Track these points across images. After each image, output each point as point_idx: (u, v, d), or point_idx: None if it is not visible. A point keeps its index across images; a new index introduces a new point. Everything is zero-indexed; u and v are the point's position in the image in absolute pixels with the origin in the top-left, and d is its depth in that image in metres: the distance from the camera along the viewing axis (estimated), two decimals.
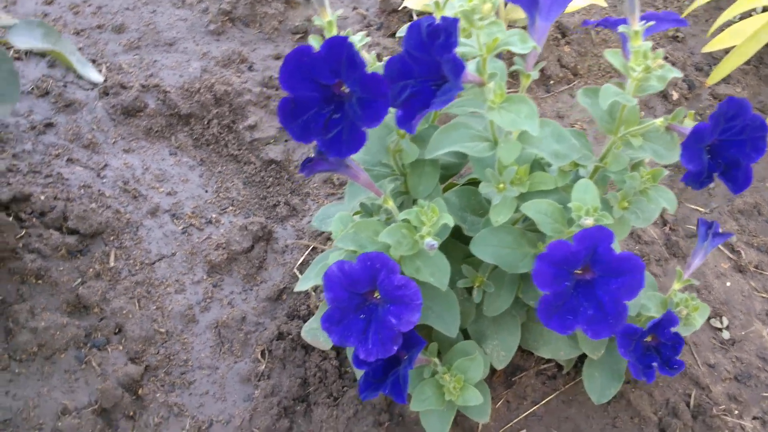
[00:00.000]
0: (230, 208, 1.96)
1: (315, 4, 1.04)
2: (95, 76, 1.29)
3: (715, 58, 2.57)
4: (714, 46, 2.36)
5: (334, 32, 1.04)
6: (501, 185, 1.12)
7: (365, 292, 1.00)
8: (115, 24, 2.39)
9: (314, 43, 1.03)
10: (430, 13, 2.43)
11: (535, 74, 1.09)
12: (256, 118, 2.11)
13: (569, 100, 2.33)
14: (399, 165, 1.27)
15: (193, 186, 2.00)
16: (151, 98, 2.16)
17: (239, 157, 2.08)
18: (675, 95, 2.46)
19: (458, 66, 0.86)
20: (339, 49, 0.89)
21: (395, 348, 0.96)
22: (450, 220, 1.09)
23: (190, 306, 1.72)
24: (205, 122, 2.13)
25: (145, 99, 2.14)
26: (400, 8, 2.43)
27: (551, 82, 2.39)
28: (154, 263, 1.80)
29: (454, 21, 0.86)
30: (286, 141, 2.12)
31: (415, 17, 2.44)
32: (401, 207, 1.29)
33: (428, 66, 0.93)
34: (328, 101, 0.97)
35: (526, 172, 1.13)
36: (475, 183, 1.44)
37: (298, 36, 2.42)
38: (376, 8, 2.53)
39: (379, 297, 1.00)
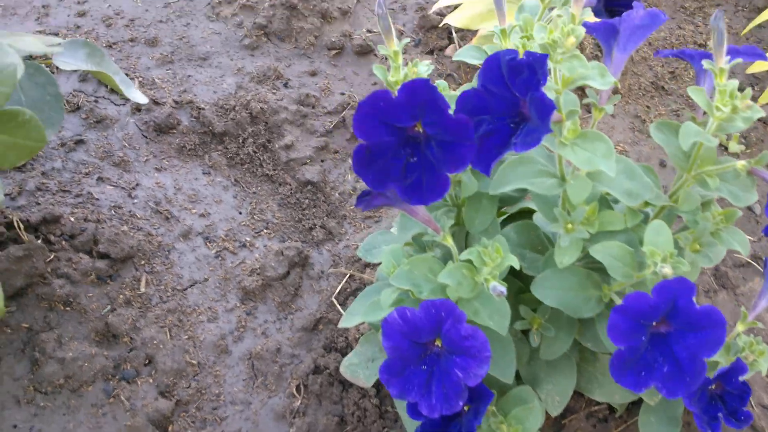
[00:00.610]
0: (265, 231, 1.94)
1: (381, 31, 1.02)
2: (140, 97, 1.27)
3: (757, 78, 2.54)
4: (759, 66, 2.33)
5: (400, 62, 1.02)
6: (569, 225, 1.08)
7: (427, 342, 0.96)
8: (148, 37, 2.38)
9: (379, 73, 1.00)
10: (470, 30, 2.41)
11: (609, 108, 1.06)
12: (292, 138, 2.09)
13: (608, 119, 2.29)
14: (454, 197, 1.24)
15: (226, 207, 1.98)
16: (184, 115, 2.14)
17: (274, 178, 2.06)
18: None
19: (547, 106, 0.83)
20: (420, 93, 0.86)
21: (461, 403, 0.93)
22: (515, 262, 1.06)
23: (222, 335, 1.69)
24: (240, 141, 2.11)
25: (178, 116, 2.13)
26: (439, 25, 2.41)
27: None
28: (186, 289, 1.77)
29: (542, 57, 0.83)
30: (322, 161, 2.09)
31: (454, 35, 2.42)
32: (454, 239, 1.25)
33: (507, 102, 0.90)
34: (404, 145, 0.94)
35: (595, 212, 1.09)
36: (527, 212, 1.40)
37: (335, 52, 2.40)
38: (414, 24, 2.51)
39: (442, 347, 0.96)
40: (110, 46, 2.33)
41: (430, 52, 2.40)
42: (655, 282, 1.04)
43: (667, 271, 1.00)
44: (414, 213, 1.08)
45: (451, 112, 0.91)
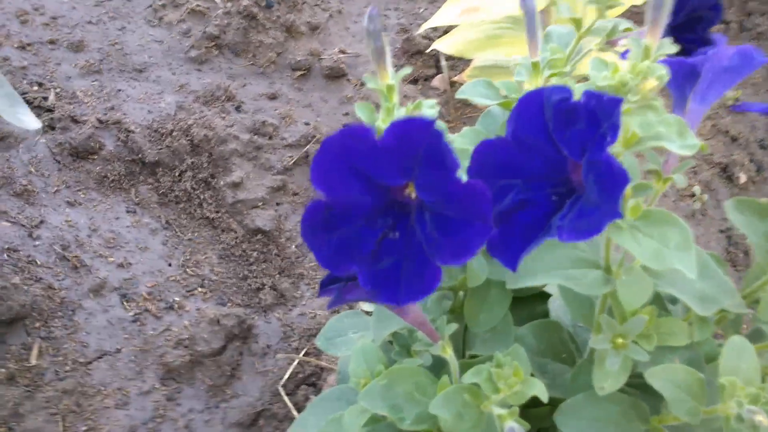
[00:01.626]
0: (199, 289, 1.64)
1: (371, 55, 0.74)
2: (31, 121, 0.96)
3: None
4: None
5: (395, 101, 0.74)
6: (620, 341, 0.81)
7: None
8: (72, 40, 2.09)
9: (363, 114, 0.73)
10: (462, 59, 2.17)
11: (680, 180, 0.80)
12: (241, 174, 1.80)
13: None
14: (452, 278, 0.98)
15: (153, 257, 1.68)
16: (109, 138, 1.85)
17: (216, 222, 1.77)
18: (742, 178, 2.25)
19: (618, 177, 0.56)
20: (418, 139, 0.59)
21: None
22: (542, 392, 0.79)
23: (133, 428, 1.39)
24: (176, 174, 1.82)
25: (101, 138, 1.84)
26: (426, 50, 2.16)
27: None
28: (91, 362, 1.47)
29: (615, 102, 0.57)
30: (277, 205, 1.81)
31: (443, 63, 2.17)
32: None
33: (549, 163, 0.64)
34: (384, 211, 0.67)
35: (653, 321, 0.83)
36: (538, 296, 1.14)
37: (300, 73, 2.13)
38: (396, 47, 2.27)
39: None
40: (23, 48, 2.03)
41: (414, 82, 2.15)
42: (734, 430, 0.79)
43: (761, 418, 0.74)
44: (403, 312, 0.81)
45: (460, 172, 0.64)
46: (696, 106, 0.80)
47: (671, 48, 0.68)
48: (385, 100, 0.74)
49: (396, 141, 0.60)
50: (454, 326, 0.84)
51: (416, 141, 0.59)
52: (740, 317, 1.00)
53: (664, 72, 0.65)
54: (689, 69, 0.77)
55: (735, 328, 1.01)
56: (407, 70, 0.74)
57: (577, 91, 0.64)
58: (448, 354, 0.83)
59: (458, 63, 2.16)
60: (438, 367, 0.96)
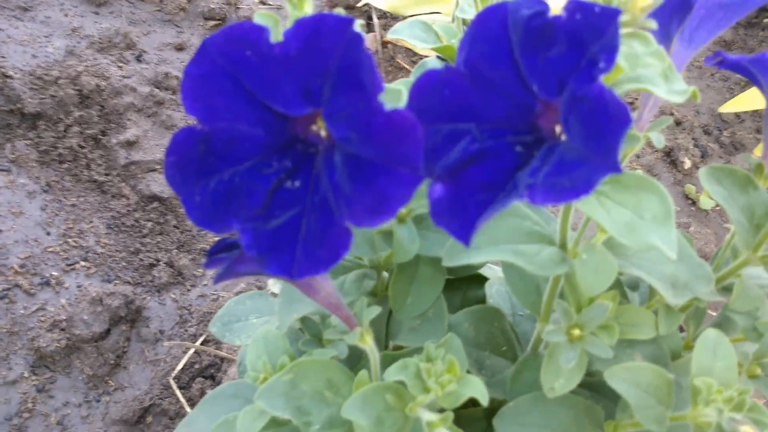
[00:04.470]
0: (82, 263, 1.45)
1: None
2: None
3: (725, 121, 2.35)
4: (733, 106, 2.13)
5: (307, 9, 0.59)
6: (577, 332, 0.69)
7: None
8: None
9: (262, 20, 0.57)
10: (397, 17, 2.03)
11: (657, 139, 0.68)
12: (137, 131, 1.62)
13: None
14: (378, 258, 0.85)
15: (28, 223, 1.48)
16: None
17: (106, 186, 1.58)
18: (687, 163, 2.21)
19: (617, 115, 0.43)
20: (330, 43, 0.45)
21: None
22: (482, 393, 0.67)
23: None
24: (61, 128, 1.62)
25: None
26: (357, 5, 2.01)
27: None
28: None
29: (612, 13, 0.44)
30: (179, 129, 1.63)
31: (375, 20, 2.02)
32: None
33: (514, 101, 0.50)
34: (280, 151, 0.53)
35: (614, 309, 0.71)
36: (474, 279, 1.02)
37: (213, 23, 1.96)
38: (323, 1, 2.10)
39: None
40: None
41: None
42: None
43: (745, 429, 0.64)
44: (311, 289, 0.66)
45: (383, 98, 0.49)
46: (682, 48, 0.68)
47: None
48: (294, 9, 0.58)
49: (300, 47, 0.45)
50: (376, 310, 0.70)
51: (328, 46, 0.45)
52: (705, 308, 0.91)
53: None
54: None
55: (699, 318, 0.91)
56: None
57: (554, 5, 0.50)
58: (368, 344, 0.70)
59: (391, 22, 2.03)
60: (355, 360, 0.84)
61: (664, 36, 0.68)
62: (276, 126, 0.51)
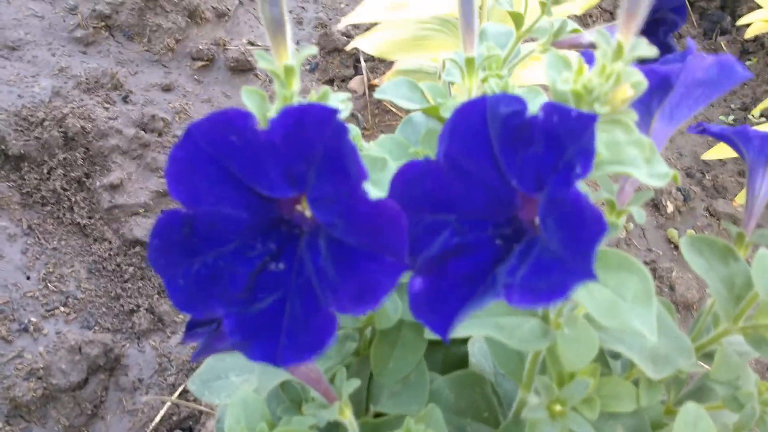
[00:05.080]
0: (61, 309, 1.43)
1: (266, 28, 0.59)
2: None
3: (707, 165, 2.37)
4: (715, 153, 2.15)
5: (294, 87, 0.59)
6: (558, 407, 0.68)
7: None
8: None
9: (250, 101, 0.58)
10: (384, 61, 2.04)
11: (638, 215, 0.69)
12: (121, 175, 1.61)
13: None
14: (360, 324, 0.84)
15: (8, 267, 1.46)
16: None
17: (88, 230, 1.57)
18: (669, 206, 2.22)
19: (592, 224, 0.43)
20: (315, 132, 0.45)
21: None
22: None
23: None
24: (45, 170, 1.61)
25: None
26: (345, 48, 2.02)
27: None
28: None
29: (589, 119, 0.43)
30: (162, 212, 1.62)
31: (362, 63, 2.03)
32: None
33: (494, 193, 0.50)
34: (264, 233, 0.52)
35: (596, 381, 0.71)
36: (456, 340, 1.01)
37: (201, 63, 1.96)
38: (312, 43, 2.11)
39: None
40: None
41: (330, 82, 2.01)
42: None
43: None
44: (294, 370, 0.66)
45: (368, 186, 0.49)
46: (662, 126, 0.69)
47: (648, 50, 0.55)
48: (282, 87, 0.58)
49: (286, 134, 0.45)
50: (355, 383, 0.69)
51: (313, 136, 0.45)
52: (686, 377, 0.91)
53: (641, 78, 0.53)
54: (661, 79, 0.65)
55: (679, 386, 0.91)
56: (312, 50, 0.59)
57: (531, 102, 0.50)
58: (347, 418, 0.69)
59: (379, 65, 2.03)
60: (334, 428, 0.82)
61: (645, 113, 0.69)
62: (260, 208, 0.50)
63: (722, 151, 2.10)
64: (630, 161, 0.58)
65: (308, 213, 0.52)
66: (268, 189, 0.50)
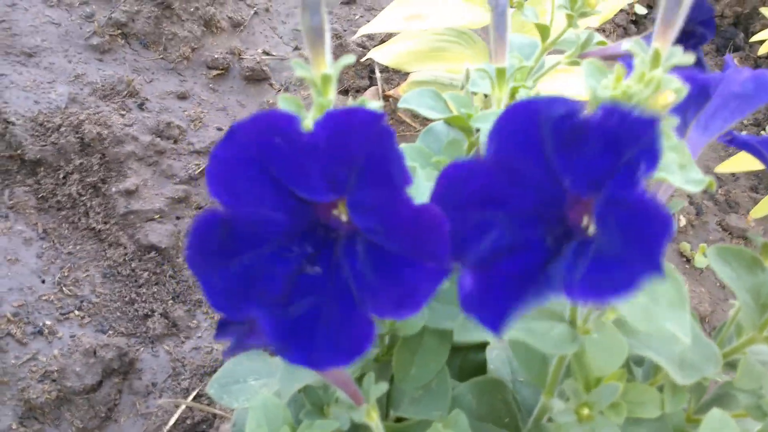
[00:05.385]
0: (76, 312, 1.44)
1: (305, 36, 0.59)
2: None
3: (720, 179, 2.37)
4: (729, 166, 2.15)
5: (331, 95, 0.59)
6: (586, 411, 0.68)
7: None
8: None
9: (286, 104, 0.58)
10: (399, 72, 2.05)
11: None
12: (137, 181, 1.62)
13: None
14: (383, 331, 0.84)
15: (24, 271, 1.47)
16: None
17: (104, 235, 1.57)
18: (682, 220, 2.22)
19: (659, 221, 0.42)
20: (359, 135, 0.45)
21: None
22: None
23: None
24: (61, 176, 1.62)
25: None
26: (361, 59, 2.03)
27: None
28: None
29: (651, 122, 0.43)
30: (177, 219, 1.63)
31: (377, 74, 2.04)
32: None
33: (545, 194, 0.50)
34: (303, 237, 0.52)
35: (623, 387, 0.71)
36: (475, 347, 1.01)
37: (216, 72, 1.97)
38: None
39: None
40: None
41: (344, 92, 2.02)
42: None
43: None
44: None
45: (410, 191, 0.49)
46: (697, 136, 0.69)
47: (685, 57, 0.55)
48: (319, 95, 0.59)
49: (329, 138, 0.46)
50: (384, 387, 0.69)
51: (357, 140, 0.45)
52: (707, 384, 0.91)
53: (681, 85, 0.53)
54: (699, 88, 0.65)
55: (701, 392, 0.91)
56: (350, 59, 0.60)
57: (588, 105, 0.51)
58: (374, 420, 0.69)
59: (393, 76, 2.04)
60: (357, 431, 0.82)
61: (681, 123, 0.69)
62: (298, 211, 0.50)
63: (735, 164, 2.10)
64: (666, 167, 0.58)
65: (344, 218, 0.52)
66: (309, 192, 0.50)
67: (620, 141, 0.44)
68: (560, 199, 0.50)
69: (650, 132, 0.43)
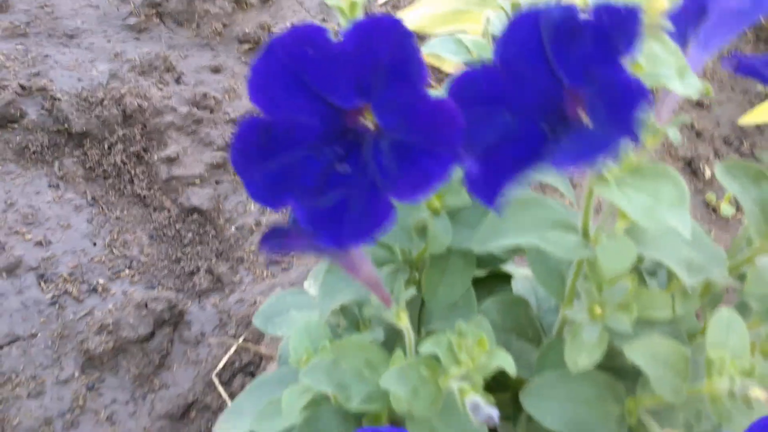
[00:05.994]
0: (126, 271, 1.52)
1: None
2: None
3: (745, 132, 2.37)
4: (753, 117, 2.15)
5: (359, 16, 0.66)
6: (598, 309, 0.74)
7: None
8: None
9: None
10: (423, 37, 2.10)
11: (675, 135, 0.73)
12: (177, 148, 1.70)
13: None
14: (407, 251, 0.90)
15: (76, 235, 1.55)
16: (32, 105, 1.72)
17: (148, 200, 1.65)
18: (707, 172, 2.23)
19: (633, 90, 0.48)
20: (383, 41, 0.51)
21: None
22: (510, 364, 0.72)
23: (48, 420, 1.28)
24: (106, 146, 1.70)
25: (23, 105, 1.71)
26: None
27: None
28: (1, 347, 1.33)
29: (632, 14, 0.49)
30: (217, 183, 1.70)
31: None
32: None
33: (542, 91, 0.56)
34: (333, 140, 0.59)
35: (633, 290, 0.76)
36: (498, 276, 1.07)
37: (248, 46, 2.04)
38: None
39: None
40: None
41: None
42: (722, 410, 0.74)
43: (758, 393, 0.68)
44: (353, 268, 0.72)
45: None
46: (697, 52, 0.73)
47: None
48: (345, 17, 0.65)
49: (357, 44, 0.52)
50: (411, 291, 0.75)
51: (382, 43, 0.51)
52: (721, 293, 0.95)
53: None
54: (697, 5, 0.70)
55: (715, 303, 0.95)
56: None
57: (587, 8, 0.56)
58: (404, 322, 0.75)
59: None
60: (391, 343, 0.88)
61: (680, 41, 0.73)
62: (330, 117, 0.57)
63: (759, 115, 2.12)
64: (665, 75, 0.63)
65: (371, 124, 0.59)
66: (339, 99, 0.56)
67: (610, 31, 0.50)
68: (559, 94, 0.56)
69: (633, 17, 0.49)
